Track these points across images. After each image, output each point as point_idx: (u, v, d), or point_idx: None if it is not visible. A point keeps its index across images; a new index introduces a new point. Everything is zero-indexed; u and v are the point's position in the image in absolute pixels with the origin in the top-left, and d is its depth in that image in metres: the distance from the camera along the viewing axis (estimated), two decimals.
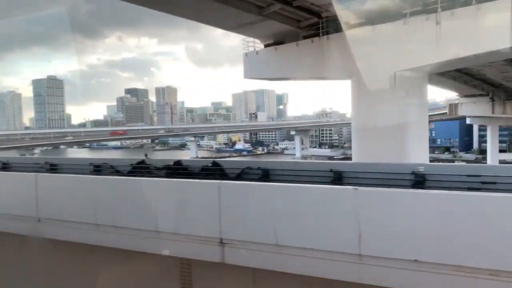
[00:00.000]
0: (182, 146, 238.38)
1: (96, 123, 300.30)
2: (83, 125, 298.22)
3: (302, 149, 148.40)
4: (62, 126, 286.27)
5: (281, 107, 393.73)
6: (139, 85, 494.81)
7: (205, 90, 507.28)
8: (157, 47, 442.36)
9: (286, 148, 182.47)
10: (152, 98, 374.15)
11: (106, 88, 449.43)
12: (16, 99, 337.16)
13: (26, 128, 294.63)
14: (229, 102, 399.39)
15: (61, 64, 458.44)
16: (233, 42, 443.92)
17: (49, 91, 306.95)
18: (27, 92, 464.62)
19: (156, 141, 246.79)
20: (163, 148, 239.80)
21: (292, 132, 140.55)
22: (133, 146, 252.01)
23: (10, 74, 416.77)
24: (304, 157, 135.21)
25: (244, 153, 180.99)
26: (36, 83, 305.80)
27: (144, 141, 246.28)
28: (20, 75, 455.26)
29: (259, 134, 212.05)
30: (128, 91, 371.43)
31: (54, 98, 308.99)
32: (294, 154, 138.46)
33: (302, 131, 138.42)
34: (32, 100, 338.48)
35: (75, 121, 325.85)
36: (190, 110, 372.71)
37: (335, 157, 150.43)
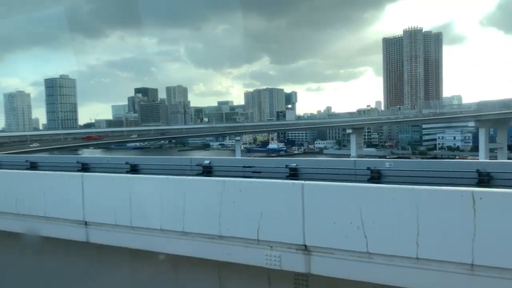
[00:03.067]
0: (207, 146, 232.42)
1: (110, 123, 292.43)
2: (91, 125, 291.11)
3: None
4: (74, 127, 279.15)
5: (289, 106, 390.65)
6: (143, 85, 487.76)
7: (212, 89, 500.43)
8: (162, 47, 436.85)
9: (325, 147, 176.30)
10: (164, 97, 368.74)
11: (107, 88, 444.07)
12: (26, 99, 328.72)
13: (35, 129, 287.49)
14: (236, 101, 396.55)
15: (60, 64, 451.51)
16: (234, 42, 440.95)
17: (62, 90, 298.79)
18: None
19: (173, 141, 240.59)
20: (185, 148, 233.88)
21: (349, 130, 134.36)
22: (153, 147, 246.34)
23: (9, 74, 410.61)
24: (360, 156, 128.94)
25: (282, 152, 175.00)
26: (49, 83, 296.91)
27: (162, 141, 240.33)
28: (19, 75, 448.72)
29: (288, 134, 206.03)
30: (138, 90, 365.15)
31: (67, 98, 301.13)
32: (349, 154, 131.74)
33: (357, 129, 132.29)
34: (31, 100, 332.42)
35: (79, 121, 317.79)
36: (200, 110, 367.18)
37: (387, 157, 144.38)
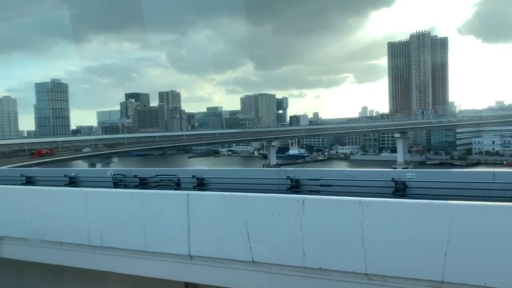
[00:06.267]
0: (216, 152, 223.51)
1: (107, 129, 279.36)
2: (77, 131, 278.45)
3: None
4: (67, 133, 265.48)
5: (280, 111, 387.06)
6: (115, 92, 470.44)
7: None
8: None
9: (352, 153, 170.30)
10: (154, 103, 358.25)
11: (90, 94, 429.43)
12: (11, 104, 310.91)
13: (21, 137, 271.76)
14: (225, 107, 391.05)
15: (41, 70, 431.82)
16: (218, 48, 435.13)
17: (53, 95, 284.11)
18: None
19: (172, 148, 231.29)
20: (192, 155, 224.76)
21: (397, 135, 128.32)
22: (156, 153, 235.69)
23: None
24: (406, 162, 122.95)
25: (308, 158, 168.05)
26: (40, 87, 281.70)
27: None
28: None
29: (303, 140, 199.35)
30: (130, 95, 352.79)
31: (59, 103, 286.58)
32: (396, 161, 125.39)
33: (403, 133, 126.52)
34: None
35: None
36: (191, 116, 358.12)
37: (427, 163, 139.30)
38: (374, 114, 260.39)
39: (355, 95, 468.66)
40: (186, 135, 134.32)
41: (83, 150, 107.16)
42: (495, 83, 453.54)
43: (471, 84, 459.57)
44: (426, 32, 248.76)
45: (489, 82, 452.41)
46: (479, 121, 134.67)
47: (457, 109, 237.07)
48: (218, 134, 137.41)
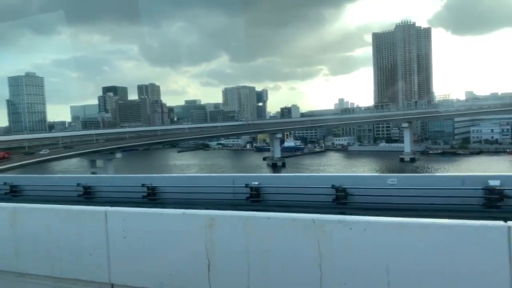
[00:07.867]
0: (206, 146, 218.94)
1: (87, 124, 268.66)
2: (51, 127, 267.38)
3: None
4: (44, 129, 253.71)
5: (260, 104, 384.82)
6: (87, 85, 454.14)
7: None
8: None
9: (349, 144, 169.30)
10: (133, 96, 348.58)
11: (62, 88, 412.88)
12: None
13: None
14: (204, 100, 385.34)
15: (7, 63, 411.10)
16: (192, 39, 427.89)
17: (29, 89, 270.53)
18: None
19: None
20: (182, 149, 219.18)
21: (404, 124, 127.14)
22: (141, 148, 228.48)
23: None
24: (413, 152, 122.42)
25: (305, 150, 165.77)
26: (13, 81, 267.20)
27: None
28: None
29: (295, 132, 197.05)
30: (108, 89, 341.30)
31: (34, 97, 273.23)
32: (402, 151, 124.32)
33: (410, 123, 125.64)
34: None
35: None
36: (171, 109, 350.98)
37: (430, 152, 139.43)
38: (349, 106, 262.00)
39: (330, 87, 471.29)
40: (188, 128, 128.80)
41: (40, 153, 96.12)
42: (465, 74, 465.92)
43: (443, 74, 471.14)
44: (411, 23, 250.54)
45: (460, 73, 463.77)
46: (488, 109, 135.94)
47: (436, 99, 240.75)
48: (221, 127, 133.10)
